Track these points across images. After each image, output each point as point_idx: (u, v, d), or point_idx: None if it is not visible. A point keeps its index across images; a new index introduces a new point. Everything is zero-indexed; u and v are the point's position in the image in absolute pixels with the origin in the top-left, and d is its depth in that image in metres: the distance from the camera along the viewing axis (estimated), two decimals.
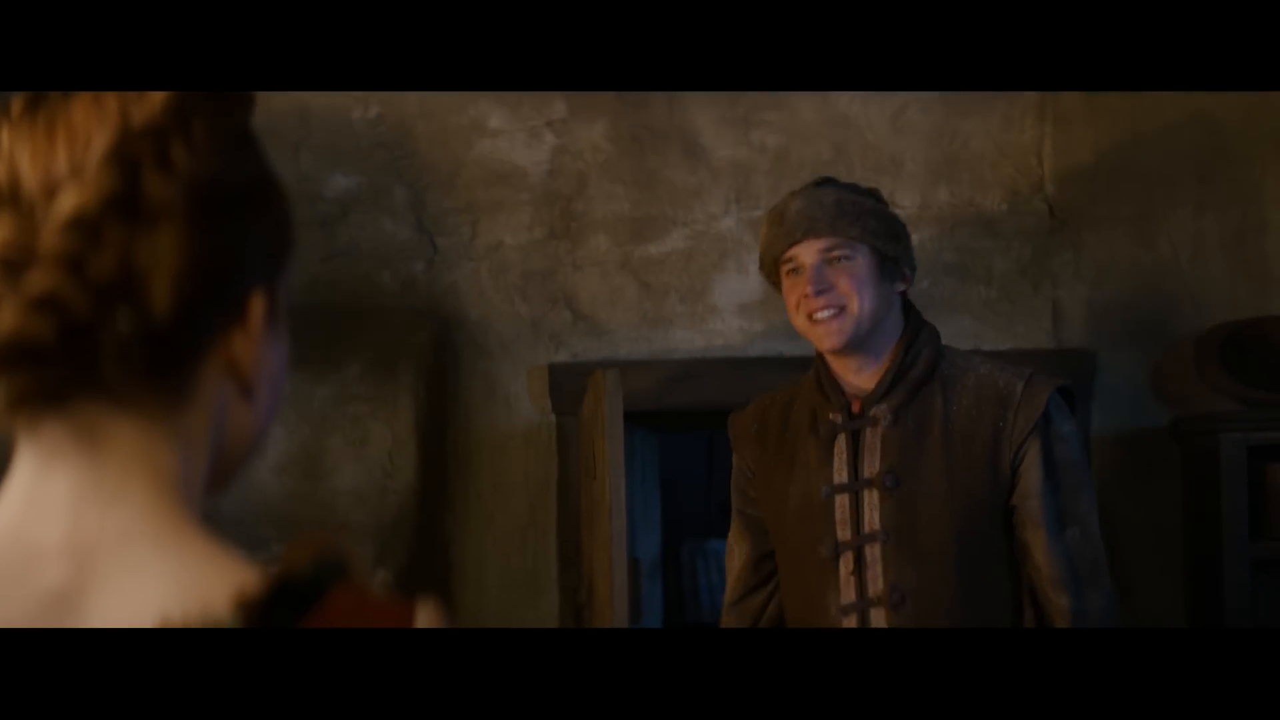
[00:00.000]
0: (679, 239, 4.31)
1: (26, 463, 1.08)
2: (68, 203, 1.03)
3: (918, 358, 3.23)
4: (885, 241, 3.21)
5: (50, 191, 1.04)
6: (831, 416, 3.27)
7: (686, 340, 4.28)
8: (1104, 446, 4.16)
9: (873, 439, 3.22)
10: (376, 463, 4.19)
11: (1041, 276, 4.21)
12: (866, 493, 3.20)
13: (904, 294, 3.29)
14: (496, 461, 4.29)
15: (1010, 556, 3.19)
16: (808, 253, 3.20)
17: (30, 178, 1.05)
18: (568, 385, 4.22)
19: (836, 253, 3.19)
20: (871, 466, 3.20)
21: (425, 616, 1.09)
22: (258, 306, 1.12)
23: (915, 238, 4.23)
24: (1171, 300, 4.18)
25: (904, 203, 4.24)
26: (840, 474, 3.23)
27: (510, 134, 4.32)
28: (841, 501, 3.22)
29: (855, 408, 3.25)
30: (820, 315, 3.18)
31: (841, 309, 3.17)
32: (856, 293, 3.18)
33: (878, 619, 3.16)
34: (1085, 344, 4.18)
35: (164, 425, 1.09)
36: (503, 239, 4.32)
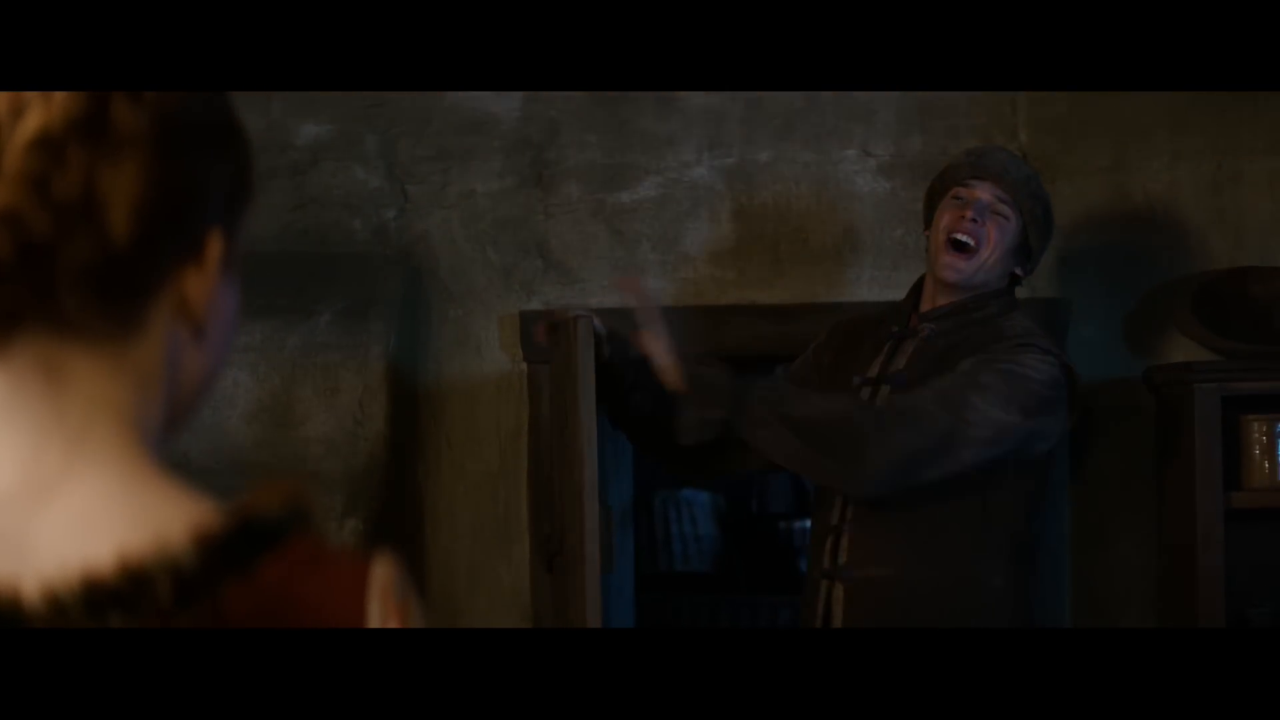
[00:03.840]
0: (651, 187, 4.28)
1: None
2: (33, 121, 1.03)
3: (983, 307, 3.57)
4: (1035, 230, 3.61)
5: (17, 110, 1.04)
6: (894, 327, 3.67)
7: (659, 289, 4.26)
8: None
9: (907, 347, 3.61)
10: (347, 411, 4.18)
11: None
12: (883, 389, 3.57)
13: (1016, 280, 3.66)
14: (468, 409, 4.28)
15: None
16: (984, 190, 3.57)
17: None
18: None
19: (1002, 206, 3.56)
20: (895, 368, 3.59)
21: (381, 570, 1.09)
22: (214, 247, 1.12)
23: (888, 185, 4.21)
24: (1146, 250, 4.17)
25: (877, 151, 4.22)
26: (872, 370, 3.62)
27: None
28: (864, 395, 3.59)
29: (913, 322, 3.64)
30: (959, 237, 3.53)
31: (974, 251, 3.54)
32: (994, 245, 3.55)
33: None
34: (1059, 293, 4.17)
35: (120, 362, 1.09)
36: (474, 187, 4.29)
